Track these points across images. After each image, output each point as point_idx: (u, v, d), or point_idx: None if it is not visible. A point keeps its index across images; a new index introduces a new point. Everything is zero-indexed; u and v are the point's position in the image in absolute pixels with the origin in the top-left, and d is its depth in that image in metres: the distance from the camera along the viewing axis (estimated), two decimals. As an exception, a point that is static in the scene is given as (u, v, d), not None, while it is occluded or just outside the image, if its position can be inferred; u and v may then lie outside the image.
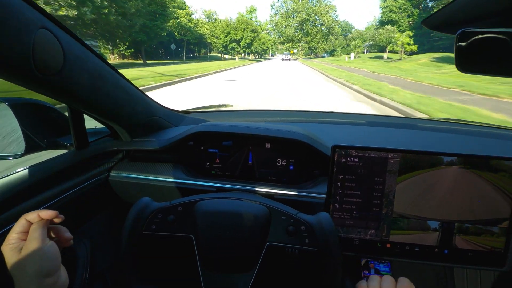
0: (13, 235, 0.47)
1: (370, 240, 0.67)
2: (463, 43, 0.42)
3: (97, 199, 0.85)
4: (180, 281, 0.65)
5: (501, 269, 0.63)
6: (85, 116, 0.77)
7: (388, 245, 0.66)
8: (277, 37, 68.87)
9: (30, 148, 0.69)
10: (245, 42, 48.74)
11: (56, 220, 0.50)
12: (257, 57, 70.26)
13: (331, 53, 66.19)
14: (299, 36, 65.52)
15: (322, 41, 63.65)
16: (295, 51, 70.18)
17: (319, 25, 63.84)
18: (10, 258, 0.44)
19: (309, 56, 74.39)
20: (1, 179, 0.63)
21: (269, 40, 60.38)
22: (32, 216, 0.48)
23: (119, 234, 0.60)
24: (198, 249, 0.60)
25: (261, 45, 53.98)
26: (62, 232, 0.51)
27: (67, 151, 0.79)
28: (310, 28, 63.61)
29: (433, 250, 0.65)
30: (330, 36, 63.82)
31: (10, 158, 0.70)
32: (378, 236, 0.66)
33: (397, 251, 0.66)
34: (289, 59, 55.46)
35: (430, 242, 0.65)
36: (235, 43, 49.14)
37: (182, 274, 0.64)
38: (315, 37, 63.82)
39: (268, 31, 68.73)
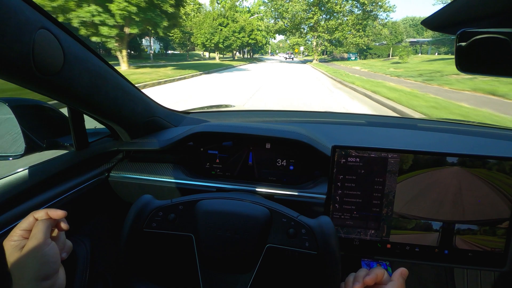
0: (17, 231, 0.45)
1: (370, 241, 0.67)
2: (463, 43, 0.42)
3: (97, 199, 0.85)
4: (179, 280, 0.65)
5: (501, 269, 0.63)
6: (85, 117, 0.77)
7: (388, 246, 0.66)
8: (272, 21, 35.23)
9: (30, 148, 0.69)
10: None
11: (64, 226, 0.49)
12: (239, 55, 41.55)
13: (362, 53, 36.37)
14: (316, 17, 32.01)
15: (358, 30, 31.33)
16: (302, 48, 39.78)
17: (351, 1, 31.40)
18: (10, 256, 0.44)
19: (322, 57, 44.15)
20: (1, 180, 0.63)
21: (260, 31, 33.92)
22: (40, 214, 0.47)
23: (119, 234, 0.60)
24: (197, 248, 0.60)
25: (237, 34, 26.38)
26: (63, 241, 0.50)
27: (67, 151, 0.79)
28: (335, 5, 30.85)
29: (433, 250, 0.65)
30: (371, 21, 32.10)
31: (10, 159, 0.70)
32: (378, 237, 0.66)
33: (397, 252, 0.66)
34: (292, 59, 45.72)
35: (430, 242, 0.65)
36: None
37: (181, 273, 0.64)
38: (345, 23, 31.84)
39: (261, 15, 37.60)
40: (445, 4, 0.43)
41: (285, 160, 0.84)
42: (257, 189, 0.80)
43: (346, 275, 0.57)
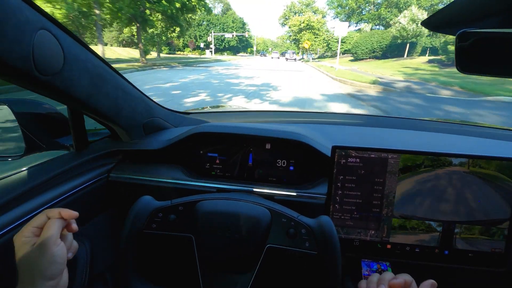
0: (29, 228, 0.45)
1: (370, 241, 0.67)
2: (464, 44, 0.42)
3: (97, 200, 0.85)
4: (179, 280, 0.65)
5: (502, 269, 0.63)
6: (85, 117, 0.77)
7: (388, 246, 0.66)
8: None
9: (30, 148, 0.69)
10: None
11: (74, 227, 0.49)
12: (205, 53, 24.27)
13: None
14: None
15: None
16: (325, 46, 26.57)
17: None
18: (20, 252, 0.43)
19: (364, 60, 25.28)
20: (1, 180, 0.63)
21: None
22: (53, 213, 0.46)
23: (119, 235, 0.60)
24: (197, 249, 0.60)
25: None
26: (71, 241, 0.49)
27: (67, 151, 0.79)
28: None
29: (434, 251, 0.65)
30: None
31: (10, 159, 0.70)
32: (378, 237, 0.66)
33: (397, 252, 0.66)
34: (294, 59, 35.23)
35: (430, 243, 0.65)
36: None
37: (181, 274, 0.64)
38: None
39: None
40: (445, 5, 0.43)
41: (285, 161, 0.84)
42: (257, 190, 0.80)
43: (346, 275, 0.57)
